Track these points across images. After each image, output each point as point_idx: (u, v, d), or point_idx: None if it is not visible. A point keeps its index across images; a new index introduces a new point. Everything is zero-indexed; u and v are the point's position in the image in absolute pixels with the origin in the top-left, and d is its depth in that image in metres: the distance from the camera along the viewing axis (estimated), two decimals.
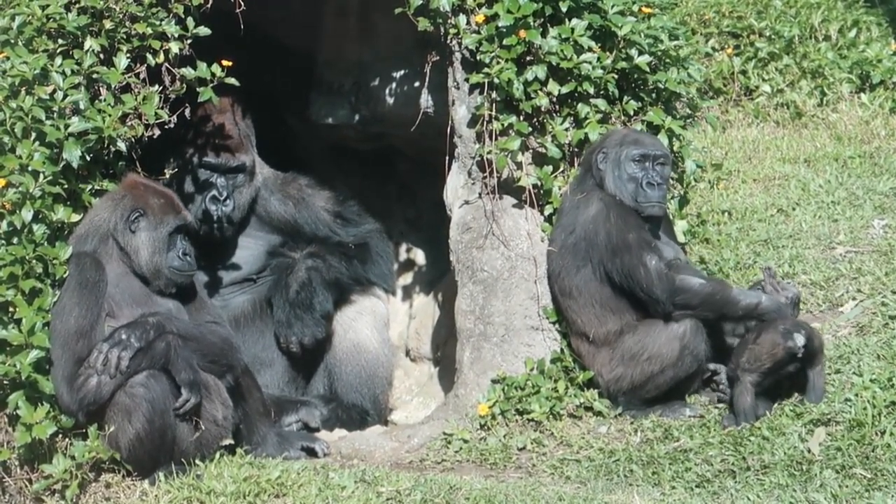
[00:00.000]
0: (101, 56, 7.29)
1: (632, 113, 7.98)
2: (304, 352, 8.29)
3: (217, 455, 6.87)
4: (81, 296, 6.74)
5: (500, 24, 7.71)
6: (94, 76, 7.21)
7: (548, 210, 7.89)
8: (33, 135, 6.90)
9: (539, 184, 7.87)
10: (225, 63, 7.37)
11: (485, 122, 7.81)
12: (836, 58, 11.40)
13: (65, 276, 6.80)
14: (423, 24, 7.78)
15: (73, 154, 6.92)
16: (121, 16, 7.34)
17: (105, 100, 7.21)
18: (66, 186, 7.01)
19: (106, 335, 6.70)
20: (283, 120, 9.65)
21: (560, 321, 7.74)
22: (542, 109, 7.82)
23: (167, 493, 6.55)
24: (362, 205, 8.74)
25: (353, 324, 8.47)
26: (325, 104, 9.13)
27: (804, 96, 11.21)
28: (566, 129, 7.87)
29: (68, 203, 7.03)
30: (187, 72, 7.39)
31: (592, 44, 7.84)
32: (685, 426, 7.25)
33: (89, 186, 7.17)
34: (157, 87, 7.41)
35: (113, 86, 7.25)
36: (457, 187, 8.05)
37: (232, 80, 7.37)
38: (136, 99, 7.29)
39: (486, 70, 7.74)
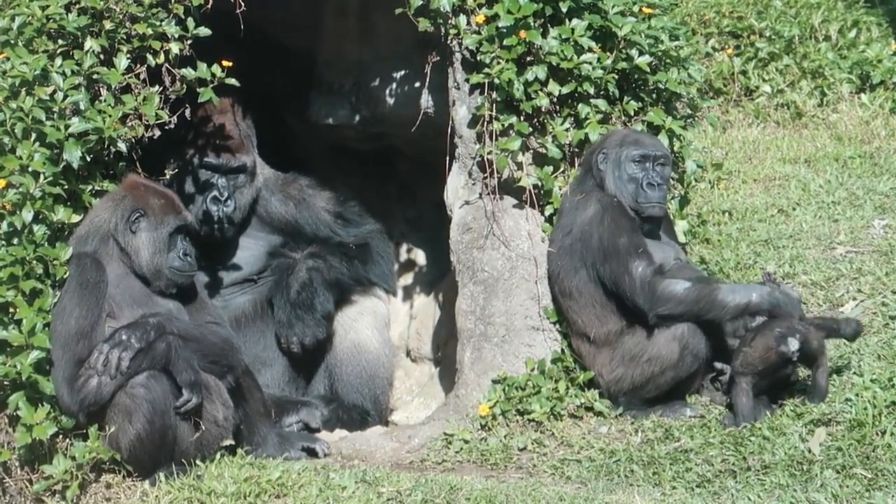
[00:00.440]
0: (102, 57, 7.29)
1: (632, 113, 7.98)
2: (305, 352, 8.29)
3: (218, 455, 6.87)
4: (82, 297, 6.74)
5: (500, 25, 7.71)
6: (95, 77, 7.21)
7: (548, 210, 7.89)
8: (33, 135, 6.90)
9: (539, 184, 7.87)
10: (225, 63, 7.37)
11: (485, 123, 7.81)
12: (836, 58, 11.41)
13: (65, 276, 6.81)
14: (424, 24, 7.79)
15: (73, 155, 6.92)
16: (121, 16, 7.34)
17: (105, 100, 7.21)
18: (66, 187, 7.01)
19: (106, 336, 6.70)
20: (284, 120, 9.65)
21: (560, 321, 7.74)
22: (543, 110, 7.82)
23: (167, 494, 6.55)
24: (363, 205, 8.74)
25: (353, 324, 8.47)
26: (325, 104, 9.13)
27: (804, 96, 11.21)
28: (567, 130, 7.87)
29: (69, 204, 7.03)
30: (187, 72, 7.39)
31: (593, 44, 7.84)
32: (686, 426, 7.25)
33: (90, 187, 7.18)
34: (157, 87, 7.41)
35: (113, 86, 7.25)
36: (457, 188, 8.05)
37: (232, 81, 7.37)
38: (136, 99, 7.29)
39: (486, 70, 7.74)
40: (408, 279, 9.65)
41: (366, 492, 6.50)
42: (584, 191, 7.64)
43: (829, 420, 6.87)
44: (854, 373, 7.18)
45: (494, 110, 7.80)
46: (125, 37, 7.36)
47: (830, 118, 10.88)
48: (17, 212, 6.74)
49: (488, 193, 7.90)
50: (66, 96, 7.00)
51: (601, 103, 7.87)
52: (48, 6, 7.21)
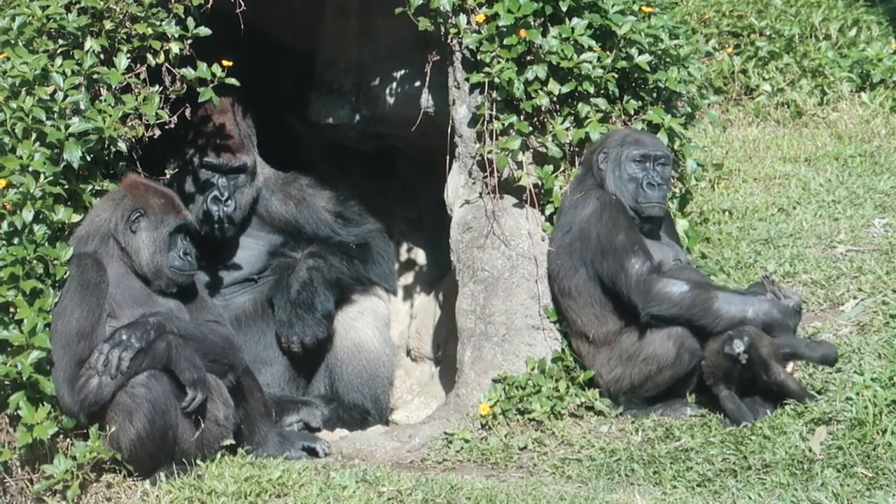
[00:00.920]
0: (102, 56, 7.29)
1: (632, 112, 7.99)
2: (305, 351, 8.29)
3: (218, 455, 6.87)
4: (83, 297, 6.74)
5: (500, 24, 7.71)
6: (95, 76, 7.21)
7: (549, 209, 7.89)
8: (34, 135, 6.90)
9: (540, 183, 7.87)
10: (225, 63, 7.37)
11: (485, 122, 7.81)
12: (836, 57, 11.41)
13: (66, 276, 6.81)
14: (424, 23, 7.78)
15: (73, 154, 6.92)
16: (121, 16, 7.34)
17: (105, 100, 7.21)
18: (66, 187, 7.01)
19: (107, 336, 6.70)
20: (284, 120, 9.65)
21: (561, 321, 7.74)
22: (543, 109, 7.83)
23: (168, 494, 6.55)
24: (363, 205, 8.74)
25: (354, 324, 8.47)
26: (325, 104, 9.13)
27: (804, 95, 11.22)
28: (567, 129, 7.88)
29: (69, 203, 7.04)
30: (188, 72, 7.39)
31: (593, 43, 7.84)
32: (686, 425, 7.25)
33: (90, 187, 7.18)
34: (157, 87, 7.42)
35: (113, 86, 7.25)
36: (457, 187, 8.05)
37: (232, 81, 7.37)
38: (136, 99, 7.29)
39: (486, 70, 7.74)
40: (408, 278, 9.65)
41: (366, 491, 6.50)
42: (584, 190, 7.64)
43: (830, 419, 6.87)
44: (855, 371, 7.18)
45: (494, 109, 7.80)
46: (125, 36, 7.36)
47: (831, 117, 10.88)
48: (18, 211, 6.74)
49: (488, 193, 7.90)
50: (66, 96, 7.00)
51: (601, 102, 7.88)
52: (48, 6, 7.22)
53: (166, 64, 7.43)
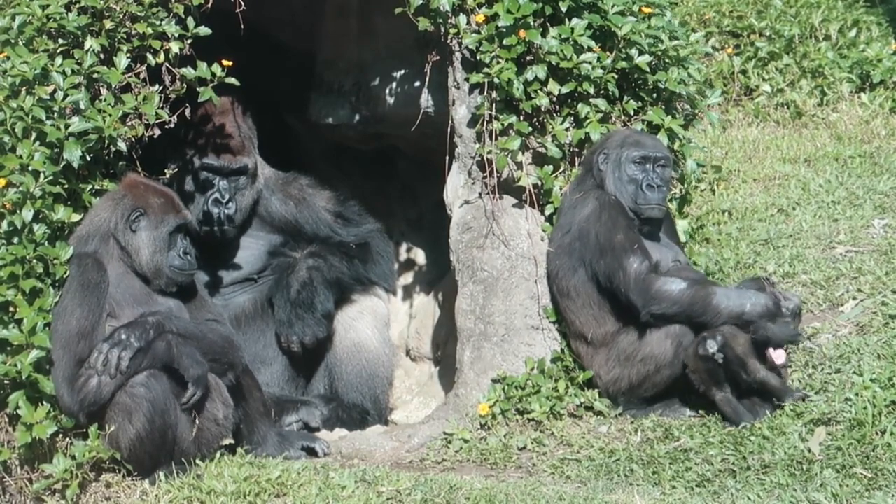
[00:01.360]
0: (102, 56, 7.29)
1: (632, 112, 7.99)
2: (305, 351, 8.29)
3: (217, 455, 6.87)
4: (83, 297, 6.74)
5: (500, 24, 7.72)
6: (95, 76, 7.22)
7: (548, 210, 7.90)
8: (34, 135, 6.91)
9: (539, 183, 7.88)
10: (225, 63, 7.37)
11: (485, 122, 7.82)
12: (836, 57, 11.40)
13: (65, 276, 6.81)
14: (424, 23, 7.79)
15: (73, 154, 6.93)
16: (121, 16, 7.34)
17: (105, 100, 7.21)
18: (66, 186, 7.02)
19: (106, 335, 6.70)
20: (284, 120, 9.65)
21: (560, 321, 7.74)
22: (543, 109, 7.83)
23: (167, 493, 6.55)
24: (363, 205, 8.74)
25: (353, 323, 8.47)
26: (325, 104, 9.14)
27: (804, 96, 11.21)
28: (566, 129, 7.88)
29: (69, 203, 7.04)
30: (188, 72, 7.39)
31: (592, 44, 7.84)
32: (685, 426, 7.25)
33: (90, 186, 7.18)
34: (157, 86, 7.42)
35: (113, 86, 7.25)
36: (457, 187, 8.05)
37: (232, 80, 7.37)
38: (136, 99, 7.30)
39: (486, 70, 7.75)
40: (408, 278, 9.66)
41: (365, 491, 6.50)
42: (584, 190, 7.64)
43: (829, 419, 6.87)
44: (854, 372, 7.18)
45: (494, 110, 7.80)
46: (125, 36, 7.36)
47: (830, 118, 10.87)
48: (18, 211, 6.74)
49: (488, 193, 7.90)
50: (66, 95, 7.01)
51: (601, 103, 7.88)
52: (48, 5, 7.22)
53: (166, 64, 7.44)
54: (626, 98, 8.01)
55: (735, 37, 11.91)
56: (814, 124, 10.90)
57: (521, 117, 7.82)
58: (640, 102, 8.05)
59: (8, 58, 7.06)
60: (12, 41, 7.18)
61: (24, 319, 6.62)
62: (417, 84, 8.50)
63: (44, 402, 6.67)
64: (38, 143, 6.88)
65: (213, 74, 7.35)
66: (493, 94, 7.78)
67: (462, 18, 7.81)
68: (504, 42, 7.73)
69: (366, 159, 9.72)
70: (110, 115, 7.12)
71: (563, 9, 7.83)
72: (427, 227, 9.58)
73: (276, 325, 8.29)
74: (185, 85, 7.45)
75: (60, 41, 7.26)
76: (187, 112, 7.57)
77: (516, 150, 7.79)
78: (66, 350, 6.67)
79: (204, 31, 7.44)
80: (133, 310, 6.87)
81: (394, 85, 8.71)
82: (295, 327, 8.22)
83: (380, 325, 8.59)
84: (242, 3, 7.61)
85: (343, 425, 8.21)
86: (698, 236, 8.63)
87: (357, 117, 9.01)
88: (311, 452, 7.41)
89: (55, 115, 6.96)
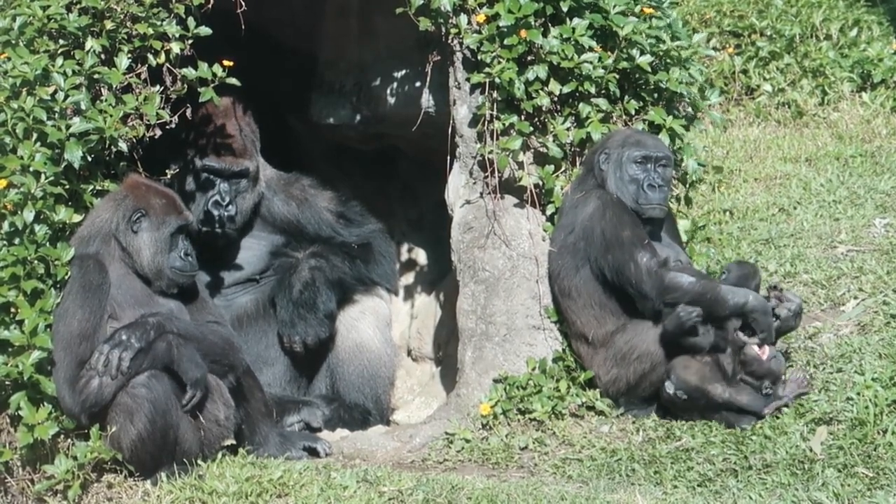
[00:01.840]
0: (103, 56, 7.29)
1: (633, 112, 7.98)
2: (307, 351, 8.29)
3: (219, 455, 6.87)
4: (85, 299, 6.74)
5: (501, 24, 7.71)
6: (96, 77, 7.21)
7: (549, 210, 7.89)
8: (35, 135, 6.91)
9: (541, 183, 7.87)
10: (226, 63, 7.37)
11: (486, 122, 7.81)
12: (837, 57, 11.41)
13: (66, 277, 6.80)
14: (425, 23, 7.78)
15: (74, 154, 6.93)
16: (122, 16, 7.34)
17: (106, 100, 7.21)
18: (67, 187, 7.02)
19: (107, 336, 6.70)
20: (285, 121, 9.65)
21: (561, 321, 7.74)
22: (544, 109, 7.83)
23: (169, 494, 6.55)
24: (364, 205, 8.74)
25: (355, 324, 8.47)
26: (326, 104, 9.13)
27: (805, 95, 11.22)
28: (567, 129, 7.88)
29: (70, 204, 7.04)
30: (188, 72, 7.39)
31: (593, 43, 7.84)
32: (687, 425, 7.25)
33: (91, 187, 7.18)
34: (158, 87, 7.41)
35: (114, 86, 7.25)
36: (458, 187, 8.05)
37: (233, 81, 7.36)
38: (137, 99, 7.29)
39: (487, 70, 7.74)
40: (409, 279, 9.65)
41: (367, 491, 6.50)
42: (585, 190, 7.64)
43: (831, 419, 6.87)
44: (855, 371, 7.18)
45: (495, 109, 7.80)
46: (126, 37, 7.36)
47: (831, 117, 10.88)
48: (19, 212, 6.74)
49: (489, 193, 7.90)
50: (67, 96, 7.01)
51: (602, 102, 7.87)
52: (49, 6, 7.21)
53: (167, 64, 7.43)
54: (627, 98, 8.00)
55: (736, 36, 11.92)
56: (815, 124, 10.91)
57: (523, 117, 7.81)
58: (641, 102, 8.05)
59: (9, 58, 7.06)
60: (13, 42, 7.18)
61: (25, 320, 6.63)
62: (418, 84, 8.49)
63: (45, 403, 6.67)
64: (38, 143, 6.88)
65: (214, 75, 7.35)
66: (495, 94, 7.78)
67: (463, 18, 7.81)
68: (505, 42, 7.73)
69: (367, 159, 9.71)
70: (111, 116, 7.12)
71: (565, 9, 7.83)
72: (428, 228, 9.58)
73: (279, 326, 8.28)
74: (186, 85, 7.45)
75: (61, 42, 7.26)
76: (188, 113, 7.56)
77: (517, 150, 7.78)
78: (67, 351, 6.67)
79: (205, 31, 7.43)
80: (134, 311, 6.86)
81: (395, 85, 8.70)
82: (297, 327, 8.22)
83: (381, 325, 8.59)
84: (243, 4, 7.60)
85: (345, 425, 8.21)
86: (699, 236, 8.62)
87: (358, 117, 9.01)
88: (313, 453, 7.41)
89: (56, 115, 6.96)
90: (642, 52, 7.94)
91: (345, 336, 8.45)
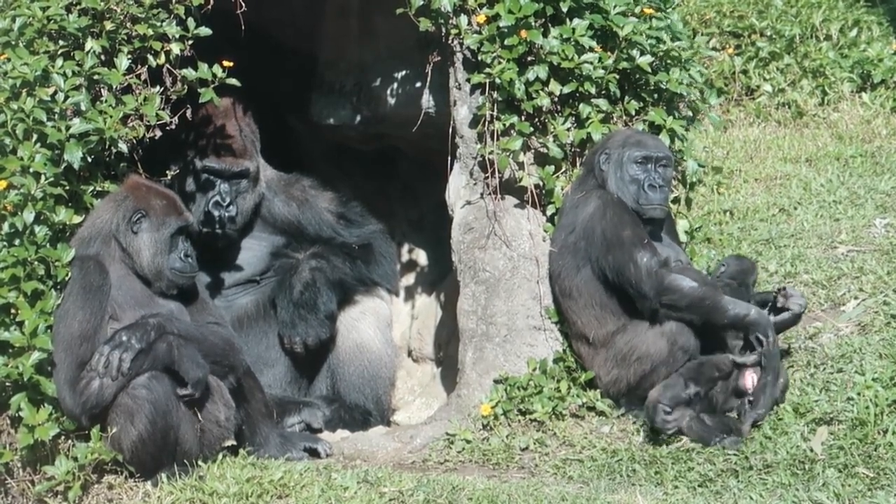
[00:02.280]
0: (102, 57, 7.29)
1: (633, 113, 7.98)
2: (308, 352, 8.29)
3: (219, 456, 6.87)
4: (85, 300, 6.73)
5: (501, 25, 7.71)
6: (96, 77, 7.21)
7: (550, 210, 7.89)
8: (34, 136, 6.90)
9: (541, 184, 7.87)
10: (226, 63, 7.36)
11: (486, 123, 7.81)
12: (837, 57, 11.41)
13: (67, 278, 6.80)
14: (425, 24, 7.78)
15: (74, 155, 6.92)
16: (121, 17, 7.34)
17: (106, 101, 7.21)
18: (67, 188, 7.02)
19: (107, 337, 6.70)
20: (285, 121, 9.65)
21: (562, 321, 7.74)
22: (544, 109, 7.83)
23: (170, 495, 6.55)
24: (364, 205, 8.74)
25: (356, 324, 8.47)
26: (326, 105, 9.14)
27: (805, 96, 11.22)
28: (568, 129, 7.88)
29: (70, 204, 7.04)
30: (188, 73, 7.39)
31: (594, 44, 7.84)
32: None
33: (91, 188, 7.18)
34: (158, 88, 7.41)
35: (114, 87, 7.25)
36: (459, 187, 8.05)
37: (233, 81, 7.36)
38: (137, 100, 7.29)
39: (487, 70, 7.74)
40: (409, 279, 9.65)
41: (368, 492, 6.50)
42: (586, 190, 7.64)
43: (831, 419, 6.87)
44: (856, 372, 7.18)
45: (496, 110, 7.80)
46: (126, 37, 7.36)
47: (831, 117, 10.88)
48: (19, 213, 6.74)
49: (490, 193, 7.89)
50: (66, 97, 7.01)
51: (602, 103, 7.87)
52: (49, 7, 7.21)
53: (167, 65, 7.43)
54: (627, 98, 8.00)
55: (736, 37, 11.92)
56: (815, 124, 10.91)
57: (523, 117, 7.81)
58: (641, 103, 8.05)
59: (8, 59, 7.05)
60: (13, 43, 7.18)
61: (25, 321, 6.63)
62: (418, 84, 8.49)
63: (46, 404, 6.67)
64: (38, 144, 6.88)
65: (214, 75, 7.35)
66: (495, 95, 7.78)
67: (463, 19, 7.81)
68: (505, 42, 7.73)
69: (367, 160, 9.72)
70: (111, 117, 7.12)
71: (565, 9, 7.83)
72: (428, 228, 9.58)
73: (279, 326, 8.28)
74: (186, 86, 7.44)
75: (61, 43, 7.26)
76: (188, 113, 7.56)
77: (518, 151, 7.78)
78: (67, 353, 6.67)
79: (204, 31, 7.43)
80: (134, 312, 6.86)
81: (395, 85, 8.70)
82: (298, 328, 8.22)
83: (382, 325, 8.59)
84: (243, 4, 7.60)
85: (345, 426, 8.21)
86: (699, 236, 8.62)
87: (358, 118, 9.01)
88: (314, 453, 7.41)
89: (56, 116, 6.96)
90: (642, 53, 7.94)
91: (345, 337, 8.45)
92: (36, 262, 6.74)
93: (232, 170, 8.22)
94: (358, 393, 8.42)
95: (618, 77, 7.89)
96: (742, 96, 11.49)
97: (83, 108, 7.06)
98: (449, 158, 8.11)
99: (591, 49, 7.82)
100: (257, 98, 8.42)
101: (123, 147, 7.20)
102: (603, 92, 7.89)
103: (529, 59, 7.81)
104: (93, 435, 6.60)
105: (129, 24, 7.36)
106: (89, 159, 7.10)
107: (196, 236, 7.87)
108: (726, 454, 6.84)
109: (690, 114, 8.37)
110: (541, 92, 7.77)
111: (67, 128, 6.95)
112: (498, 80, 7.72)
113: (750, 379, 7.18)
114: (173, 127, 7.47)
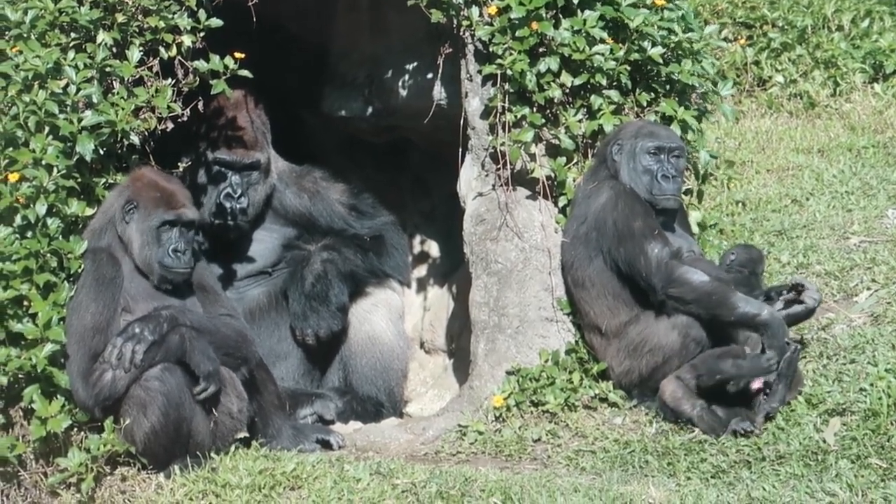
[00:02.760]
0: (114, 50, 7.29)
1: (645, 104, 7.97)
2: (320, 344, 8.29)
3: (232, 448, 6.87)
4: (98, 292, 6.75)
5: (512, 16, 7.71)
6: (107, 70, 7.21)
7: (562, 201, 7.89)
8: (47, 129, 6.91)
9: (553, 175, 7.87)
10: (237, 55, 7.36)
11: (498, 114, 7.81)
12: (849, 48, 11.40)
13: (79, 270, 6.81)
14: (436, 16, 7.77)
15: (86, 148, 6.93)
16: (133, 9, 7.34)
17: (118, 93, 7.21)
18: (79, 180, 7.03)
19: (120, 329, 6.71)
20: (297, 113, 9.64)
21: (574, 312, 7.74)
22: (555, 101, 7.82)
23: (182, 486, 6.55)
24: (376, 197, 8.74)
25: (368, 316, 8.47)
26: (338, 97, 9.14)
27: (817, 86, 11.21)
28: (579, 121, 7.87)
29: (82, 197, 7.04)
30: (200, 65, 7.39)
31: (605, 35, 7.84)
32: None
33: (103, 180, 7.18)
34: (170, 80, 7.41)
35: (126, 79, 7.25)
36: (470, 179, 8.05)
37: (245, 73, 7.36)
38: (148, 92, 7.29)
39: (498, 62, 7.74)
40: (421, 271, 9.64)
41: (380, 483, 6.51)
42: (598, 180, 7.63)
43: (844, 410, 6.87)
44: (868, 362, 7.17)
45: (507, 101, 7.79)
46: (137, 30, 7.36)
47: (843, 108, 10.87)
48: (31, 205, 6.75)
49: (501, 185, 7.89)
50: (78, 89, 7.01)
51: (614, 94, 7.86)
52: (60, 0, 7.22)
53: (179, 57, 7.43)
54: (638, 90, 8.00)
55: (748, 27, 11.91)
56: (827, 115, 10.90)
57: (534, 109, 7.81)
58: (652, 94, 8.04)
59: (20, 52, 7.05)
60: (25, 35, 7.17)
61: (38, 313, 6.63)
62: (430, 76, 8.49)
63: (58, 396, 6.68)
64: (50, 137, 6.89)
65: (226, 67, 7.35)
66: (506, 86, 7.78)
67: (474, 10, 7.81)
68: (517, 34, 7.73)
69: (378, 152, 9.71)
70: (123, 109, 7.12)
71: (576, 0, 7.82)
72: (440, 220, 9.58)
73: (291, 318, 8.29)
74: (197, 78, 7.44)
75: (73, 35, 7.26)
76: (200, 105, 7.56)
77: (529, 142, 7.78)
78: (80, 345, 6.68)
79: (216, 23, 7.42)
80: (147, 304, 6.87)
81: (406, 77, 8.70)
82: (310, 320, 8.22)
83: (394, 317, 8.59)
84: None
85: (358, 418, 8.21)
86: (712, 227, 8.61)
87: (370, 110, 9.01)
88: (326, 445, 7.41)
89: (68, 108, 6.97)
90: (654, 44, 7.93)
91: (357, 329, 8.46)
92: (48, 255, 6.75)
93: (243, 161, 8.22)
94: (370, 385, 8.43)
95: (629, 68, 7.88)
96: (754, 87, 11.49)
97: (95, 100, 7.07)
98: (460, 150, 8.11)
99: (603, 40, 7.82)
100: (269, 91, 8.42)
101: (135, 139, 7.20)
102: (614, 83, 7.88)
103: (541, 50, 7.81)
104: (106, 427, 6.60)
105: (140, 17, 7.37)
106: (101, 151, 7.10)
107: (208, 228, 7.88)
108: (739, 445, 6.84)
109: (705, 105, 8.35)
110: (552, 83, 7.77)
111: (79, 120, 6.95)
112: (509, 72, 7.71)
113: (758, 381, 7.15)
114: (185, 119, 7.47)
